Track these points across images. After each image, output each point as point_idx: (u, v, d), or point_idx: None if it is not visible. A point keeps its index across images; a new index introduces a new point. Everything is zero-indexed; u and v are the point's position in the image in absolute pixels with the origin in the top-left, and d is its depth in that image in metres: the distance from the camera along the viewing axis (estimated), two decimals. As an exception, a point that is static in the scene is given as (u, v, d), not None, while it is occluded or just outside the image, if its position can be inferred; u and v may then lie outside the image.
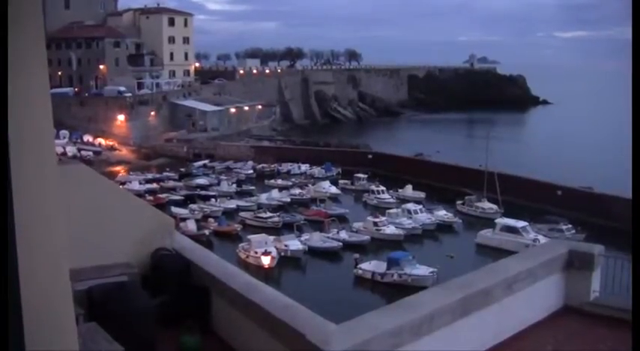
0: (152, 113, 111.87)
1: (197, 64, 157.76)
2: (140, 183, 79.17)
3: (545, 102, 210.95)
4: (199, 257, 10.89)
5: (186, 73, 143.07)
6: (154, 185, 79.82)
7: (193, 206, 68.50)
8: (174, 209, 64.88)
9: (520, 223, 58.53)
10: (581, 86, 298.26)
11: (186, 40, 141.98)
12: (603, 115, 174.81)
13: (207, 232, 58.52)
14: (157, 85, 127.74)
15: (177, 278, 10.35)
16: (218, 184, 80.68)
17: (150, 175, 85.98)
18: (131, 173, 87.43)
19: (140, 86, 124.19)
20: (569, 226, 60.08)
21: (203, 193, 76.19)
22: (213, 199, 72.30)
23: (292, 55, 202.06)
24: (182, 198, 73.81)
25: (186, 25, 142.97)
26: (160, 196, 73.18)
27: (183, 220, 59.89)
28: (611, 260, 10.55)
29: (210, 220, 63.23)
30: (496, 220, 60.67)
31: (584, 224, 60.80)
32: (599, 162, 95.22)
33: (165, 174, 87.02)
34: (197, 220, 62.10)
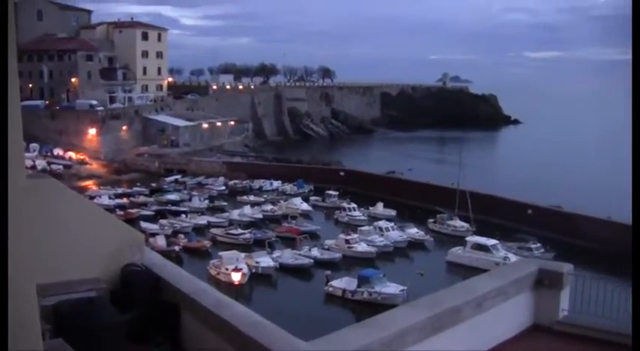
0: (124, 127, 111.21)
1: (170, 79, 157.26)
2: (110, 198, 78.55)
3: (516, 121, 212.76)
4: (169, 273, 10.80)
5: (159, 87, 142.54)
6: (125, 200, 79.27)
7: (164, 222, 68.06)
8: (145, 224, 64.48)
9: (490, 242, 58.91)
10: (552, 106, 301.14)
11: (159, 55, 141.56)
12: (573, 135, 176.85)
13: (177, 248, 58.21)
14: (130, 99, 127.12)
15: (146, 294, 10.26)
16: (189, 199, 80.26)
17: (120, 190, 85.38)
18: (101, 188, 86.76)
19: (112, 100, 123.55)
20: (539, 244, 60.73)
21: (174, 208, 75.74)
22: (183, 215, 71.93)
23: (266, 71, 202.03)
24: (153, 213, 73.36)
25: (159, 39, 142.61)
26: (131, 211, 72.70)
27: (154, 235, 59.47)
28: (580, 279, 10.63)
29: (181, 236, 62.88)
30: (467, 238, 61.01)
31: (554, 243, 61.46)
32: (568, 181, 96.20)
33: (135, 189, 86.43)
34: (167, 236, 61.72)
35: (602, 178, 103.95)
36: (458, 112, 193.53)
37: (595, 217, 66.81)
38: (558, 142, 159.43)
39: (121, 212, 68.01)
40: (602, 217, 66.86)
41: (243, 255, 53.76)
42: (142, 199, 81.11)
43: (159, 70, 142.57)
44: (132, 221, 59.95)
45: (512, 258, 52.26)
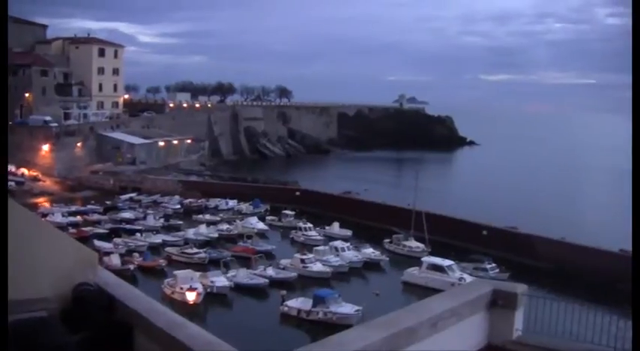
0: (78, 144, 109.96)
1: (126, 96, 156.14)
2: (63, 215, 77.41)
3: (472, 143, 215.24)
4: (123, 293, 10.64)
5: (115, 104, 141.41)
6: (78, 218, 78.23)
7: (118, 240, 67.34)
8: (98, 243, 63.68)
9: (446, 262, 59.33)
10: (507, 128, 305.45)
11: (115, 72, 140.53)
12: (529, 157, 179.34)
13: (131, 266, 57.57)
14: (85, 115, 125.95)
15: (98, 314, 10.09)
16: (144, 218, 79.51)
17: (74, 208, 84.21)
18: (54, 205, 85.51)
19: (67, 116, 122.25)
20: (494, 265, 61.35)
21: (128, 227, 74.95)
22: (138, 234, 71.20)
23: (223, 89, 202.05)
24: (107, 232, 72.51)
25: (116, 56, 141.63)
26: (84, 229, 71.74)
27: (108, 254, 58.79)
28: (533, 299, 10.73)
29: (135, 254, 62.25)
30: (422, 259, 61.34)
31: (509, 263, 62.16)
32: (524, 202, 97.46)
33: (89, 207, 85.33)
34: (122, 255, 61.03)
35: (557, 200, 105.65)
36: (414, 133, 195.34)
37: (549, 238, 67.85)
38: (514, 164, 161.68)
39: (74, 230, 67.05)
40: (556, 238, 67.89)
41: (198, 274, 53.45)
42: (95, 217, 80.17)
43: (115, 87, 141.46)
44: (85, 239, 59.14)
45: (468, 278, 52.63)
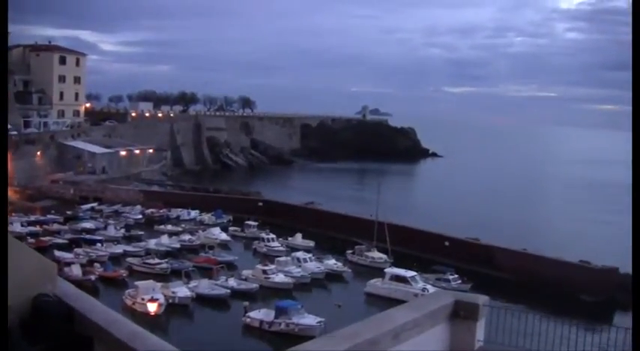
0: (38, 153, 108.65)
1: (88, 105, 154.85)
2: (22, 225, 76.30)
3: (434, 154, 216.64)
4: (83, 304, 10.49)
5: (76, 113, 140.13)
6: (38, 228, 77.21)
7: (78, 250, 66.54)
8: (58, 253, 62.87)
9: (409, 273, 59.58)
10: (470, 140, 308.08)
11: (77, 80, 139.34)
12: (491, 168, 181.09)
13: (92, 277, 56.96)
14: (45, 124, 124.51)
15: (58, 326, 9.94)
16: (105, 228, 78.73)
17: (33, 217, 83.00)
18: (13, 214, 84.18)
19: (27, 125, 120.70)
20: (456, 276, 61.78)
21: (89, 237, 74.11)
22: (99, 244, 70.45)
23: (186, 99, 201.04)
24: (67, 242, 71.59)
25: (78, 64, 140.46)
26: (43, 239, 70.79)
27: (69, 264, 58.11)
28: (495, 310, 10.80)
29: (96, 265, 61.64)
30: (385, 270, 61.51)
31: (471, 274, 62.64)
32: (486, 213, 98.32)
33: (49, 216, 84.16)
34: (82, 265, 60.34)
35: (519, 211, 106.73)
36: (377, 144, 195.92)
37: (511, 249, 68.51)
38: (477, 176, 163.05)
39: (33, 240, 66.18)
40: (518, 249, 68.58)
41: (159, 285, 53.00)
42: (55, 226, 79.18)
43: (76, 96, 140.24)
44: (44, 249, 58.47)
45: (431, 289, 52.90)
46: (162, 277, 58.16)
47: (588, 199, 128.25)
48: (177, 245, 72.25)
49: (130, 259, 65.11)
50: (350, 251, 71.49)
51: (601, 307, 57.42)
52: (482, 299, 10.65)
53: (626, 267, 63.57)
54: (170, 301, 51.18)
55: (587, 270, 63.10)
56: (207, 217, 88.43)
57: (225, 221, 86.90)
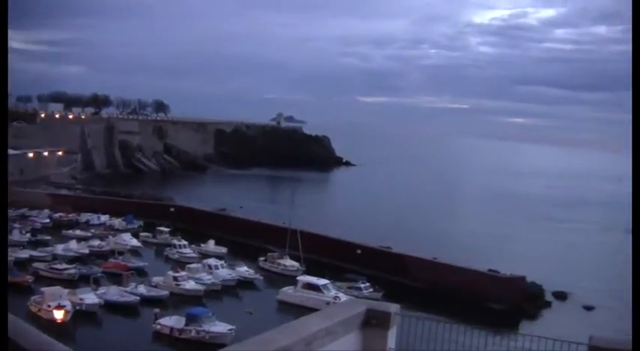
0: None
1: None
2: None
3: (348, 163, 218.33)
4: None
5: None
6: None
7: (-20, 255, 64.37)
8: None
9: (321, 281, 59.79)
10: (383, 149, 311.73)
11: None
12: (404, 178, 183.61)
13: (-5, 283, 55.12)
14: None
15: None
16: (10, 232, 76.45)
17: None
18: None
19: None
20: (368, 284, 62.30)
21: (-9, 241, 71.77)
22: (3, 248, 68.28)
23: (98, 101, 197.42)
24: (-33, 247, 69.16)
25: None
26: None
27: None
28: (406, 319, 10.94)
29: (0, 270, 59.69)
30: (298, 278, 61.60)
31: (383, 282, 63.32)
32: (399, 223, 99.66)
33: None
34: (-16, 271, 58.37)
35: (431, 220, 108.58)
36: (291, 151, 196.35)
37: (422, 258, 69.55)
38: (390, 185, 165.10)
39: None
40: (428, 258, 69.71)
41: (66, 291, 51.76)
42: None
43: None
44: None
45: (343, 297, 53.21)
46: (70, 283, 56.90)
47: (498, 210, 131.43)
48: (86, 250, 70.75)
49: (36, 265, 63.48)
50: (262, 258, 71.34)
51: (508, 314, 58.87)
52: (393, 308, 10.76)
53: (532, 276, 65.58)
54: (77, 308, 49.95)
55: (495, 279, 64.61)
56: (117, 222, 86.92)
57: (136, 227, 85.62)
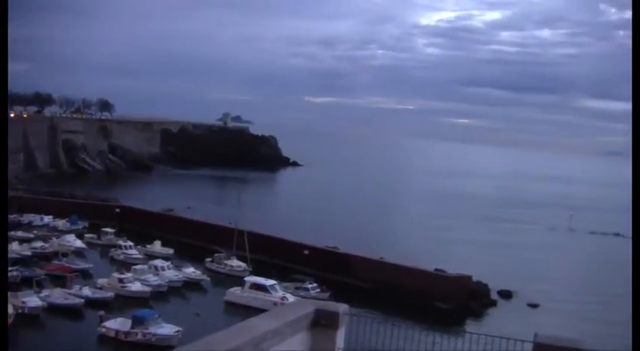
0: None
1: None
2: None
3: (295, 163, 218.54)
4: None
5: None
6: None
7: None
8: None
9: (269, 282, 59.73)
10: (331, 150, 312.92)
11: None
12: (351, 178, 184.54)
13: None
14: None
15: None
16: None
17: None
18: None
19: None
20: (315, 284, 62.50)
21: None
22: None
23: (41, 100, 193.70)
24: None
25: None
26: None
27: None
28: (355, 318, 10.96)
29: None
30: (245, 278, 61.48)
31: (330, 282, 63.55)
32: (346, 223, 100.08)
33: None
34: None
35: (378, 220, 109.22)
36: (238, 152, 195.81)
37: (369, 258, 69.95)
38: (337, 186, 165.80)
39: None
40: (375, 258, 70.12)
41: (8, 294, 50.70)
42: None
43: None
44: None
45: (291, 298, 53.24)
46: (12, 286, 55.69)
47: (444, 209, 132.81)
48: (29, 252, 69.58)
49: (-25, 267, 62.04)
50: (209, 259, 70.98)
51: (454, 313, 59.56)
52: (342, 308, 10.78)
53: (478, 275, 66.50)
54: (20, 311, 49.04)
55: (441, 278, 65.33)
56: (61, 223, 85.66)
57: (80, 228, 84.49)
